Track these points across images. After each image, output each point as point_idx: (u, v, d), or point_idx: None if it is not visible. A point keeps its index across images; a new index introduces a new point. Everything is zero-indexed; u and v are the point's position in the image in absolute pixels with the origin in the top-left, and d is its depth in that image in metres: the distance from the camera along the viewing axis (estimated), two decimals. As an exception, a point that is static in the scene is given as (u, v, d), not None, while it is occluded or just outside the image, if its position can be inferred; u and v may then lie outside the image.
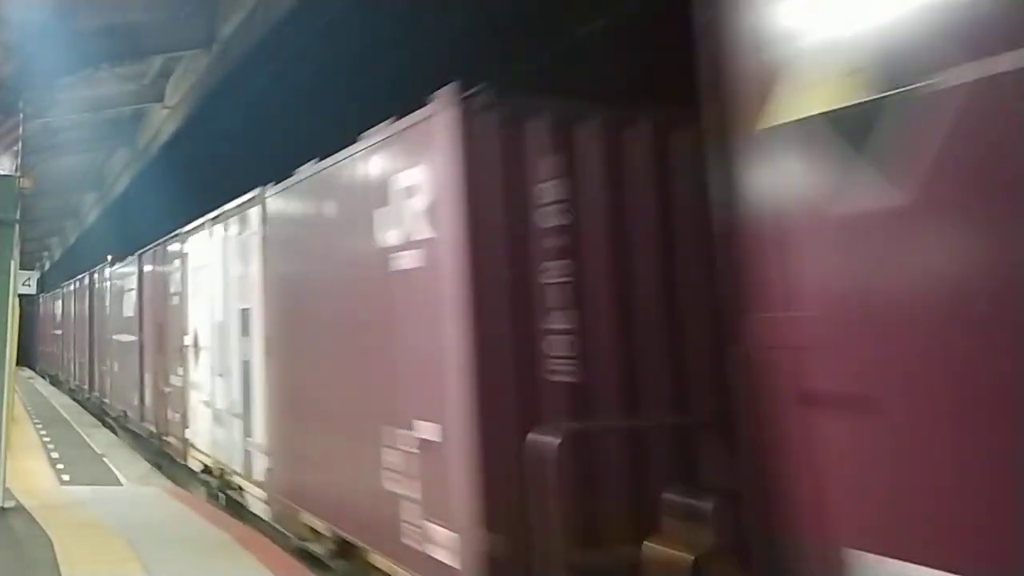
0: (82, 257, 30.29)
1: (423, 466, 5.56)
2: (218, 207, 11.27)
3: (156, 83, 15.69)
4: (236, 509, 10.32)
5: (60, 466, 14.51)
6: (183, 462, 12.81)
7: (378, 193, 6.18)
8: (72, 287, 27.92)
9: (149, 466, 15.23)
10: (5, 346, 10.48)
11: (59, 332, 31.66)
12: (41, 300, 36.64)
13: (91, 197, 27.47)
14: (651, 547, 4.62)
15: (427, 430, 5.52)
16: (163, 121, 16.91)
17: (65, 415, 23.35)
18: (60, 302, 31.54)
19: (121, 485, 13.32)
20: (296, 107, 14.68)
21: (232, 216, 10.26)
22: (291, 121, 14.16)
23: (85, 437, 18.67)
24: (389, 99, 6.23)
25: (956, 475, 2.60)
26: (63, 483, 13.16)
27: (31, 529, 9.23)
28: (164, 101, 16.01)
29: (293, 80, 14.58)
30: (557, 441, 4.71)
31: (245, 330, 9.62)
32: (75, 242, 35.43)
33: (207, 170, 17.67)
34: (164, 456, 14.45)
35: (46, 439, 17.94)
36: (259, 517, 9.47)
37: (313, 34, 12.27)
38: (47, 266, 42.65)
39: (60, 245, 39.50)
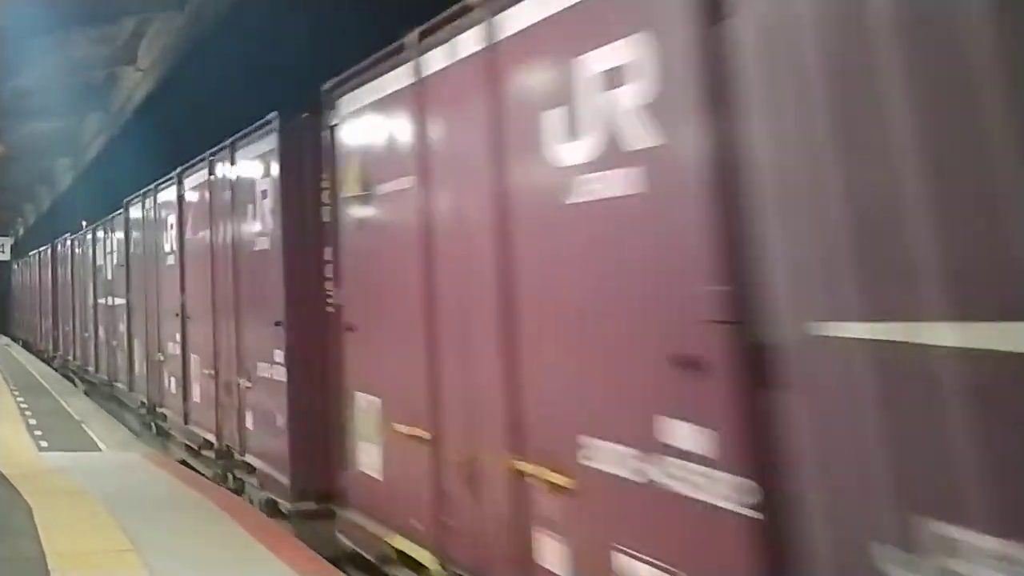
0: (57, 222, 30.03)
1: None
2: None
3: (128, 45, 15.50)
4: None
5: (38, 433, 14.43)
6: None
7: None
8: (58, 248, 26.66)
9: (128, 432, 15.16)
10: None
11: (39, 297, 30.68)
12: (17, 266, 36.09)
13: (65, 162, 27.20)
14: None
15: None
16: (136, 84, 16.73)
17: (43, 382, 23.21)
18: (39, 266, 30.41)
19: (100, 451, 13.26)
20: (270, 68, 14.54)
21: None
22: (265, 82, 14.02)
23: (64, 404, 18.56)
24: (373, 50, 6.14)
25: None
26: (41, 450, 13.08)
27: (10, 496, 9.17)
28: (136, 64, 15.81)
29: (266, 40, 14.43)
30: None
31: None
32: (49, 208, 35.11)
33: (182, 133, 17.49)
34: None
35: (23, 406, 17.83)
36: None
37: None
38: (21, 232, 42.27)
39: (34, 211, 39.13)
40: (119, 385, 16.70)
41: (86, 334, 20.12)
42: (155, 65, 15.26)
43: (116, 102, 18.37)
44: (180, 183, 11.70)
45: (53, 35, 13.13)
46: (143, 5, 13.30)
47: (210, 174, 10.24)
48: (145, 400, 13.83)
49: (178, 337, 11.73)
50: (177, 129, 18.13)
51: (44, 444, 13.46)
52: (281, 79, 12.68)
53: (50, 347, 26.84)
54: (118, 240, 16.30)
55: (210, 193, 10.30)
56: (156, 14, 13.67)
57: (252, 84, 14.68)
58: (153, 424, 13.72)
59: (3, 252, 16.26)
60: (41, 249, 28.99)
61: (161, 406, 13.03)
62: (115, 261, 16.69)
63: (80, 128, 22.62)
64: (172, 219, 12.16)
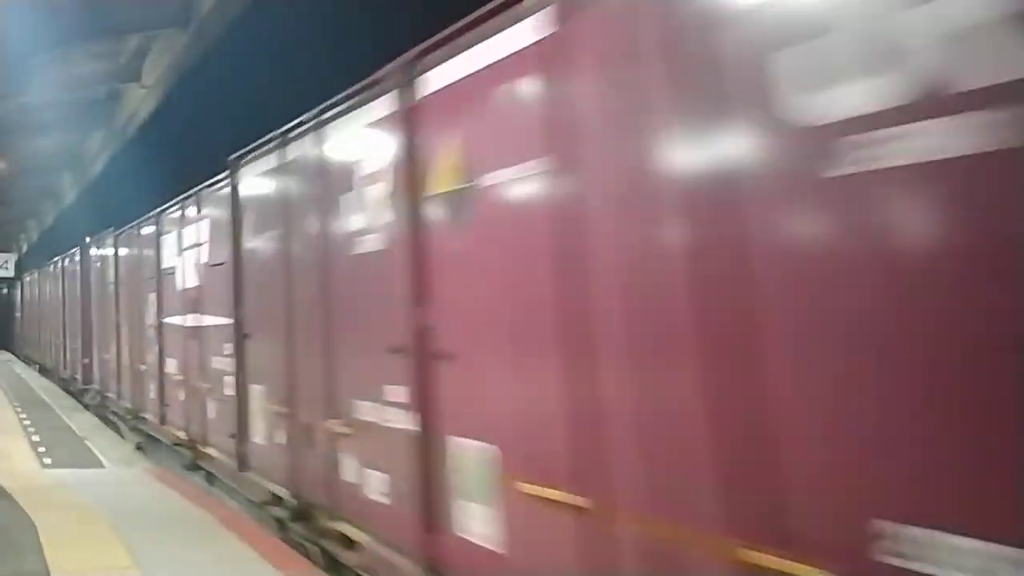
0: (60, 238, 30.06)
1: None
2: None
3: (132, 62, 15.56)
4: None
5: (42, 449, 14.42)
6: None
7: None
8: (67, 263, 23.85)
9: (131, 448, 15.15)
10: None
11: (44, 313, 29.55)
12: (29, 277, 34.93)
13: (68, 178, 27.25)
14: None
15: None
16: (140, 100, 16.78)
17: (45, 397, 23.20)
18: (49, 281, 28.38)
19: (103, 467, 13.25)
20: (274, 85, 14.57)
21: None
22: (269, 99, 14.06)
23: (66, 420, 18.55)
24: (367, 74, 6.17)
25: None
26: (45, 466, 13.08)
27: (14, 512, 9.17)
28: (141, 80, 15.88)
29: (270, 58, 14.47)
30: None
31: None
32: (53, 223, 35.16)
33: (185, 150, 17.54)
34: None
35: (26, 422, 17.82)
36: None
37: (289, 11, 12.17)
38: (24, 248, 42.35)
39: (38, 227, 39.19)
40: (215, 454, 10.73)
41: (141, 366, 14.88)
42: (159, 82, 15.32)
43: (120, 118, 18.43)
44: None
45: (57, 51, 13.19)
46: (147, 22, 13.35)
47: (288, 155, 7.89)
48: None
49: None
50: (181, 145, 18.19)
51: (47, 460, 13.46)
52: (286, 99, 12.72)
53: (77, 376, 21.86)
54: (211, 226, 10.86)
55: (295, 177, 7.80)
56: (160, 31, 13.73)
57: (256, 100, 14.72)
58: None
59: (7, 268, 16.27)
60: (63, 256, 24.29)
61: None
62: (203, 259, 11.15)
63: (84, 144, 22.69)
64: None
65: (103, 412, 18.81)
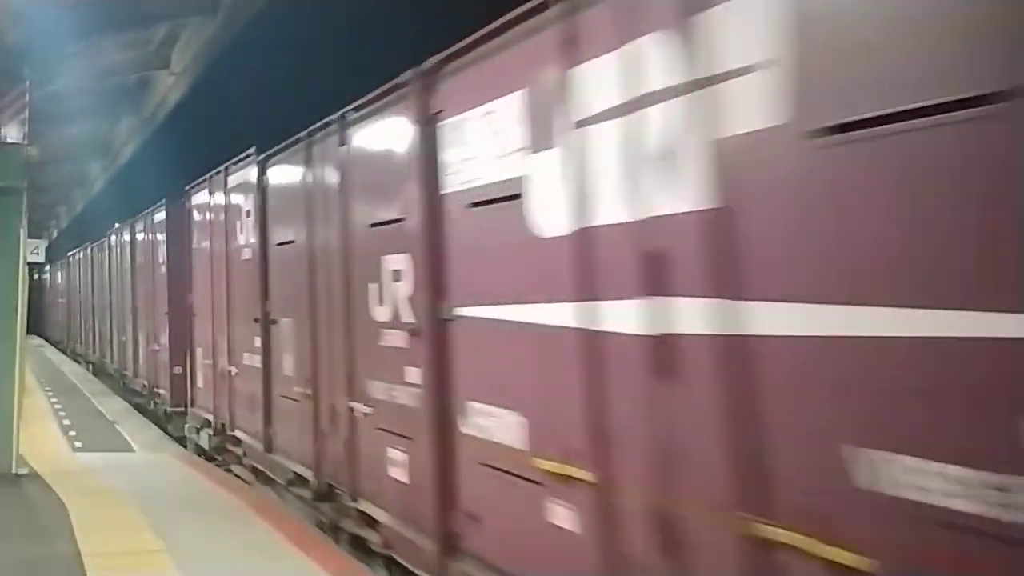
0: (89, 225, 30.30)
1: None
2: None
3: (161, 50, 15.63)
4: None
5: (72, 433, 14.60)
6: None
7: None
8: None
9: (160, 432, 15.30)
10: (16, 314, 10.52)
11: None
12: (71, 258, 33.49)
13: (98, 165, 27.45)
14: None
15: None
16: (169, 88, 16.87)
17: (75, 382, 23.46)
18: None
19: (133, 452, 13.40)
20: (303, 71, 14.62)
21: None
22: (298, 85, 14.11)
23: (96, 405, 18.76)
24: (399, 58, 6.16)
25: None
26: (75, 450, 13.24)
27: (46, 496, 9.30)
28: (170, 68, 15.95)
29: (299, 44, 14.51)
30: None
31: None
32: (82, 210, 35.43)
33: (214, 136, 17.64)
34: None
35: (57, 407, 18.04)
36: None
37: (318, -1, 12.19)
38: (55, 234, 42.70)
39: (68, 213, 39.51)
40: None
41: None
42: (188, 69, 15.39)
43: (149, 106, 18.53)
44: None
45: (87, 41, 13.28)
46: (176, 11, 13.41)
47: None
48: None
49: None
50: (209, 132, 18.29)
51: (78, 444, 13.62)
52: (314, 84, 12.77)
53: (160, 389, 16.26)
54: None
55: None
56: (189, 19, 13.79)
57: (283, 87, 14.78)
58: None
59: (38, 254, 16.41)
60: (113, 233, 22.09)
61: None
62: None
63: (113, 131, 22.84)
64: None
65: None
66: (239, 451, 10.65)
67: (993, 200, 2.62)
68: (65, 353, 34.29)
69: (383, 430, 6.66)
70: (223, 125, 17.80)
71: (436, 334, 5.75)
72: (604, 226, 4.15)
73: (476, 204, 5.31)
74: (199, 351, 12.51)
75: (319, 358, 7.93)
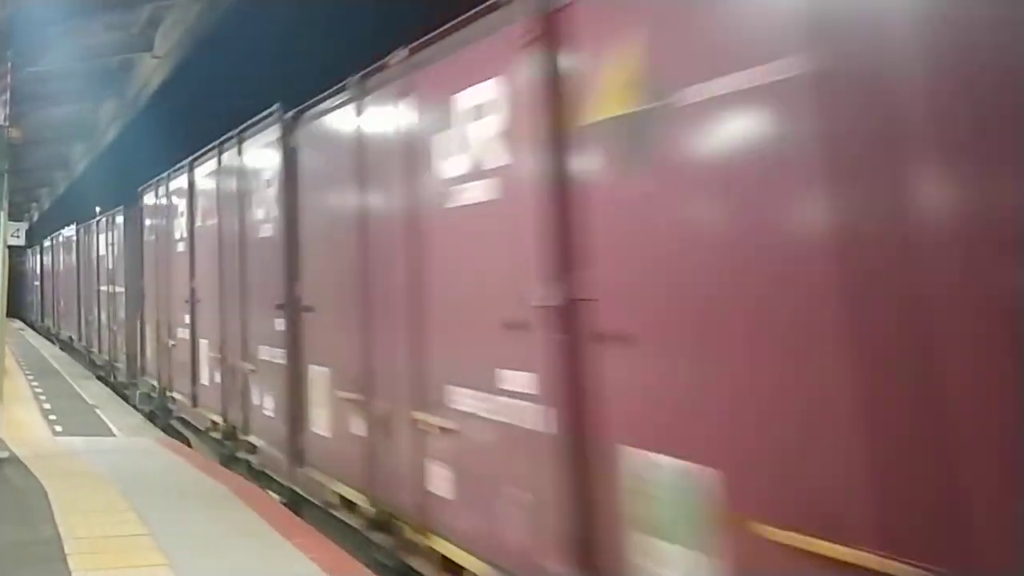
0: (72, 208, 30.09)
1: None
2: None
3: (145, 32, 15.51)
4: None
5: (53, 417, 14.53)
6: None
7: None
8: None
9: (142, 418, 15.24)
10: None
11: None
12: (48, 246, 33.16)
13: (80, 147, 27.26)
14: None
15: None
16: (152, 71, 16.75)
17: (56, 366, 23.34)
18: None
19: (114, 436, 13.34)
20: (286, 55, 14.54)
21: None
22: (281, 69, 14.04)
23: (77, 388, 18.68)
24: (384, 42, 6.12)
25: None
26: (56, 434, 13.18)
27: (26, 480, 9.25)
28: (153, 51, 15.83)
29: (282, 28, 14.43)
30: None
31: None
32: (64, 193, 35.18)
33: (197, 120, 17.54)
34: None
35: (38, 391, 17.95)
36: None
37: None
38: (36, 217, 42.41)
39: (49, 196, 39.23)
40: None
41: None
42: (171, 52, 15.29)
43: (132, 88, 18.40)
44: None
45: (71, 22, 13.17)
46: (160, -8, 13.34)
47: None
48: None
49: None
50: (193, 115, 18.18)
51: (59, 429, 13.56)
52: (298, 67, 12.70)
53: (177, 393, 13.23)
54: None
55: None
56: (173, 2, 13.70)
57: (268, 70, 14.70)
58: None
59: (18, 237, 16.29)
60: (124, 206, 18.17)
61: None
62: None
63: (96, 114, 22.68)
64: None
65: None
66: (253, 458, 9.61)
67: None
68: (35, 330, 35.77)
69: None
70: (206, 108, 17.69)
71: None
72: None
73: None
74: (204, 343, 11.48)
75: (374, 355, 6.52)
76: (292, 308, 8.21)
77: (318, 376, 7.68)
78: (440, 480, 5.57)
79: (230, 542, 7.09)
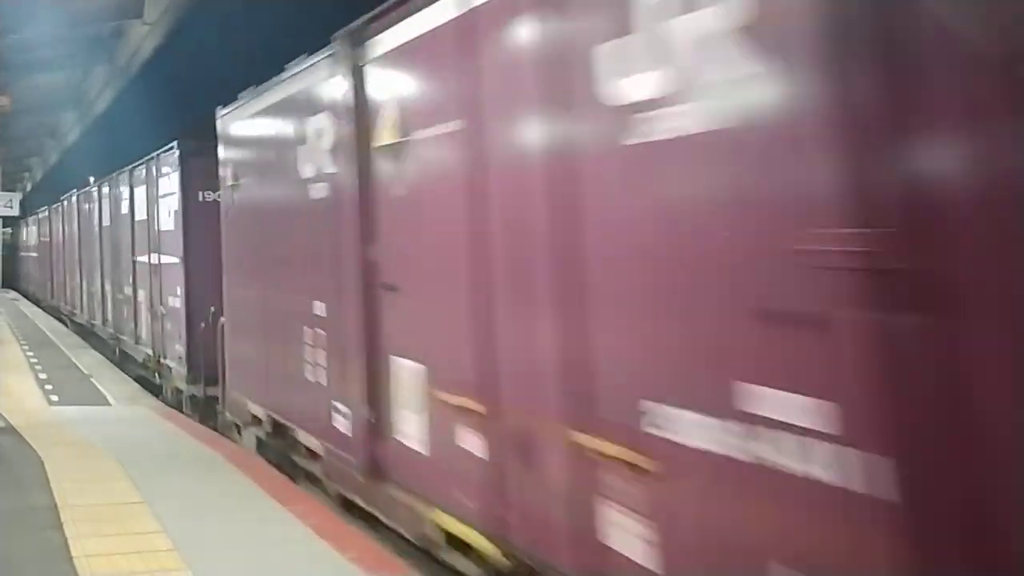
0: (65, 177, 29.92)
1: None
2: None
3: (135, -3, 15.37)
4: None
5: (48, 387, 14.51)
6: None
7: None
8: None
9: (137, 387, 15.22)
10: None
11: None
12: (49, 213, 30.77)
13: (71, 116, 27.07)
14: None
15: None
16: (143, 37, 16.59)
17: (52, 337, 23.30)
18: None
19: (109, 405, 13.33)
20: (277, 21, 14.40)
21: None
22: (273, 36, 13.89)
23: (72, 358, 18.65)
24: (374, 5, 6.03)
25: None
26: (52, 403, 13.16)
27: (21, 448, 9.24)
28: (144, 17, 15.68)
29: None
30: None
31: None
32: (57, 162, 34.99)
33: (189, 87, 17.40)
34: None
35: (33, 360, 17.92)
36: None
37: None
38: (28, 187, 42.22)
39: (41, 166, 39.03)
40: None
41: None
42: (162, 19, 15.14)
43: (123, 56, 18.23)
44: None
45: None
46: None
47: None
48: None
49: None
50: (185, 82, 18.04)
51: (54, 398, 13.54)
52: (290, 32, 12.55)
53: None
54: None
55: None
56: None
57: (260, 36, 14.56)
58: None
59: (11, 208, 16.24)
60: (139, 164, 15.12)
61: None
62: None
63: (86, 82, 22.49)
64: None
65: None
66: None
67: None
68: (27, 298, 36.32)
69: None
70: (198, 75, 17.56)
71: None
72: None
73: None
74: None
75: (498, 349, 4.69)
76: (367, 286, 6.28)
77: (406, 372, 5.78)
78: (627, 535, 3.76)
79: (224, 507, 7.10)
